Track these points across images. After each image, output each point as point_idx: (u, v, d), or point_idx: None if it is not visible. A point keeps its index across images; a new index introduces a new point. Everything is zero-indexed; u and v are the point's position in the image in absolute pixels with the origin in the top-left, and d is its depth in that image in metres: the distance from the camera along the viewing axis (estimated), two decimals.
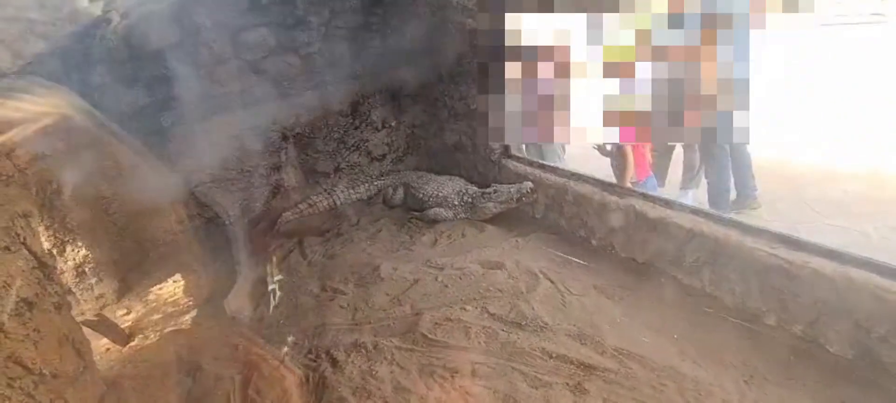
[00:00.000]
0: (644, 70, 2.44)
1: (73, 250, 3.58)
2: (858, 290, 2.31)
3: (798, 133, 6.17)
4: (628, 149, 4.12)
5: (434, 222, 4.33)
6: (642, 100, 2.46)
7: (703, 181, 4.83)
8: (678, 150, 5.03)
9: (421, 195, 4.57)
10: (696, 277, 3.01)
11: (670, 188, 4.96)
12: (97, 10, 3.79)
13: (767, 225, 2.90)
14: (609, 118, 2.48)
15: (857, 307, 2.32)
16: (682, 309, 2.87)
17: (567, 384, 2.40)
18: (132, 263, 4.14)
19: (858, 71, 8.97)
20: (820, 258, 2.50)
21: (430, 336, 2.85)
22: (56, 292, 2.38)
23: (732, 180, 4.60)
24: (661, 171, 4.96)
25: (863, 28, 12.45)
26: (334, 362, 2.77)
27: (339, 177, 5.25)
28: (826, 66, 9.10)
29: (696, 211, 3.13)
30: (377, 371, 2.64)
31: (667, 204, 3.27)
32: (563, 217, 3.88)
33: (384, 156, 5.47)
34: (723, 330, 2.67)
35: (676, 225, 3.08)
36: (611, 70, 2.42)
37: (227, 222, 4.61)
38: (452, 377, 2.53)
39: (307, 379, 2.69)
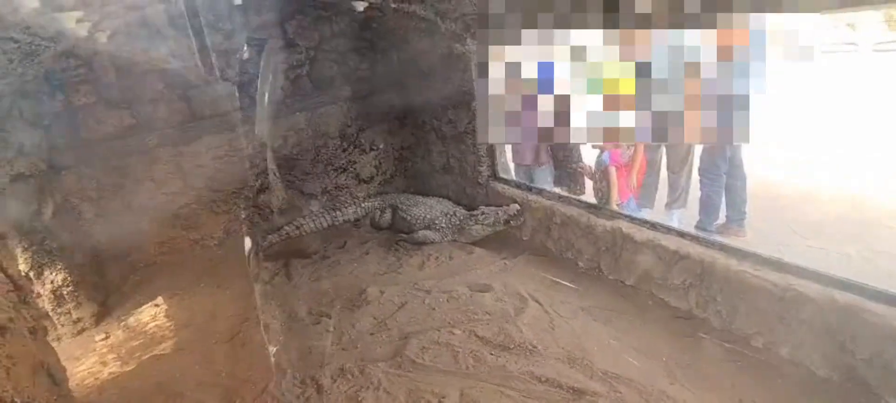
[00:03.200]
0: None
1: (51, 273, 3.49)
2: (842, 312, 2.33)
3: (778, 156, 6.30)
4: (613, 171, 4.16)
5: (422, 244, 4.31)
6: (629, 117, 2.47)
7: (688, 201, 4.87)
8: (664, 172, 5.09)
9: (409, 217, 4.56)
10: (683, 299, 3.02)
11: (658, 208, 4.99)
12: (83, 30, 3.76)
13: (752, 247, 2.93)
14: (595, 135, 2.50)
15: (841, 329, 2.34)
16: (670, 332, 2.87)
17: None
18: (112, 287, 4.05)
19: (834, 97, 9.24)
20: (804, 280, 2.53)
21: (417, 360, 2.81)
22: (32, 316, 2.30)
23: (723, 201, 4.65)
24: (648, 192, 5.00)
25: (837, 56, 12.88)
26: (319, 388, 2.71)
27: (327, 199, 5.22)
28: (803, 92, 9.37)
29: (682, 234, 3.15)
30: (364, 397, 2.59)
31: (653, 226, 3.30)
32: (551, 239, 3.89)
33: (372, 177, 5.46)
34: (710, 353, 2.67)
35: (663, 248, 3.10)
36: (610, 103, 2.43)
37: (213, 244, 4.55)
38: (441, 402, 2.49)
39: None
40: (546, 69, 2.46)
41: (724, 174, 4.54)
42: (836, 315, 2.35)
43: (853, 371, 2.32)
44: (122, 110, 4.23)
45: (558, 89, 2.47)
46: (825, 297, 2.40)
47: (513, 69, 2.48)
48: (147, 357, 3.22)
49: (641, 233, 3.26)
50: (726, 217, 4.68)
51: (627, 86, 2.44)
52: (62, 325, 3.54)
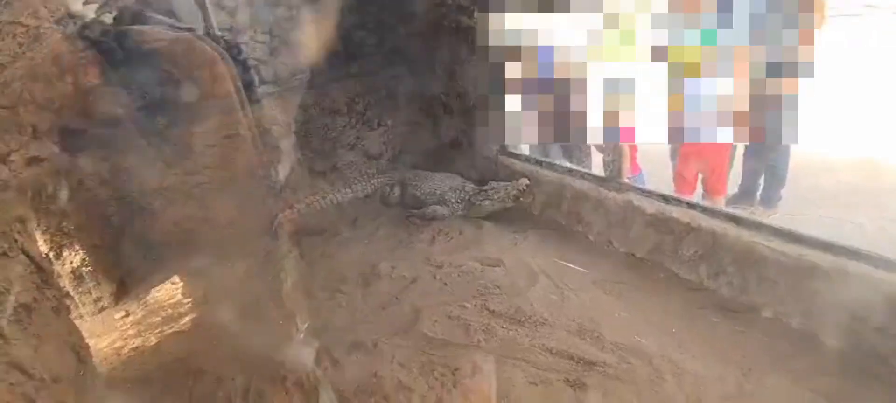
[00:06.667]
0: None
1: (70, 254, 3.57)
2: (854, 282, 2.33)
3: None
4: (624, 144, 4.12)
5: (432, 220, 4.33)
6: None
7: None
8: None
9: (418, 193, 4.57)
10: (693, 271, 3.03)
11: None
12: (91, 12, 3.75)
13: (763, 217, 2.92)
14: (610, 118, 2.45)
15: (852, 298, 2.34)
16: (681, 303, 2.88)
17: (567, 380, 2.42)
18: (130, 266, 4.12)
19: (851, 61, 9.00)
20: (815, 250, 2.53)
21: (429, 334, 2.86)
22: (54, 296, 2.36)
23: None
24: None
25: (856, 19, 12.49)
26: (335, 361, 2.77)
27: (336, 176, 5.23)
28: (817, 56, 9.13)
29: (692, 205, 3.15)
30: (378, 371, 2.65)
31: (664, 198, 3.29)
32: (561, 213, 3.89)
33: (381, 154, 5.45)
34: (721, 324, 2.69)
35: (674, 220, 3.10)
36: (677, 71, 2.34)
37: (225, 223, 4.59)
38: (453, 375, 2.54)
39: (308, 380, 2.69)
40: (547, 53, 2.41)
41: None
42: (848, 285, 2.35)
43: (864, 340, 2.33)
44: (132, 91, 4.23)
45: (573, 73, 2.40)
46: (837, 268, 2.40)
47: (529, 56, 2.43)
48: (167, 333, 3.30)
49: (652, 206, 3.25)
50: (739, 188, 4.63)
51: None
52: (83, 304, 3.63)
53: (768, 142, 4.10)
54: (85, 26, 3.51)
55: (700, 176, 4.28)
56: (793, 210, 4.25)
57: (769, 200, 4.51)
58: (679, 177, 4.35)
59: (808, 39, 2.18)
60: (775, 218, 3.68)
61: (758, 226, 2.82)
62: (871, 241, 2.97)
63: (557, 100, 2.46)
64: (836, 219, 4.08)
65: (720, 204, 4.11)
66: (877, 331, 2.28)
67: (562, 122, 2.47)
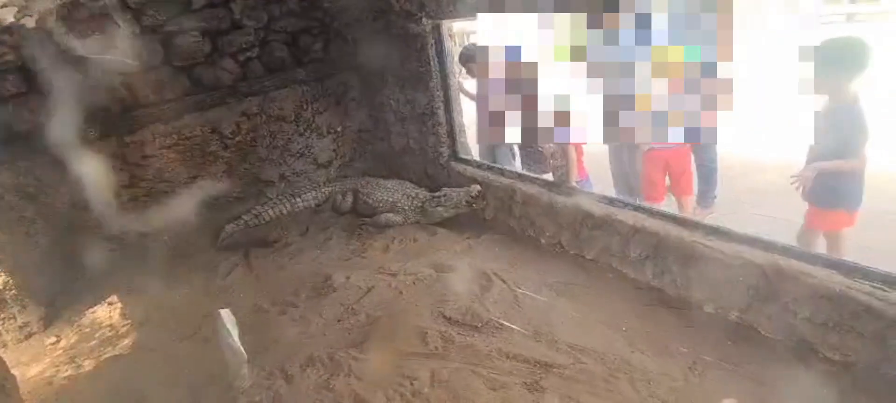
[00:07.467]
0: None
1: None
2: (785, 276, 2.50)
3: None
4: (571, 149, 4.24)
5: (385, 228, 4.30)
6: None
7: None
8: None
9: (370, 201, 4.53)
10: (640, 271, 3.15)
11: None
12: (9, 15, 3.48)
13: (701, 217, 3.08)
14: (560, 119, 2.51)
15: (784, 292, 2.51)
16: (630, 302, 3.00)
17: (525, 383, 2.45)
18: (60, 287, 3.84)
19: (776, 63, 9.68)
20: (750, 247, 2.69)
21: (386, 344, 2.82)
22: None
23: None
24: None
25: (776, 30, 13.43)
26: (288, 378, 2.69)
27: (285, 186, 5.09)
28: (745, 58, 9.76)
29: (637, 208, 3.28)
30: (334, 385, 2.59)
31: (610, 201, 3.41)
32: (513, 217, 3.95)
33: (331, 162, 5.36)
34: (667, 321, 2.81)
35: (620, 222, 3.22)
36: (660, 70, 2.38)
37: (165, 238, 4.37)
38: (412, 384, 2.53)
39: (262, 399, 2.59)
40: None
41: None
42: (780, 279, 2.52)
43: (795, 329, 2.50)
44: (58, 100, 3.96)
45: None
46: (769, 263, 2.56)
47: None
48: (104, 358, 3.10)
49: (600, 209, 3.36)
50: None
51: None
52: (7, 331, 3.35)
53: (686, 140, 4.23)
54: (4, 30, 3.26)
55: (667, 179, 4.38)
56: (727, 209, 4.50)
57: (705, 200, 4.73)
58: (648, 182, 4.40)
59: (727, 55, 2.32)
60: (712, 218, 3.88)
61: (697, 226, 2.98)
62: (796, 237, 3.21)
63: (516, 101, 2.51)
64: (767, 217, 4.36)
65: (688, 204, 4.26)
66: (805, 321, 2.46)
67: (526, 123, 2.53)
